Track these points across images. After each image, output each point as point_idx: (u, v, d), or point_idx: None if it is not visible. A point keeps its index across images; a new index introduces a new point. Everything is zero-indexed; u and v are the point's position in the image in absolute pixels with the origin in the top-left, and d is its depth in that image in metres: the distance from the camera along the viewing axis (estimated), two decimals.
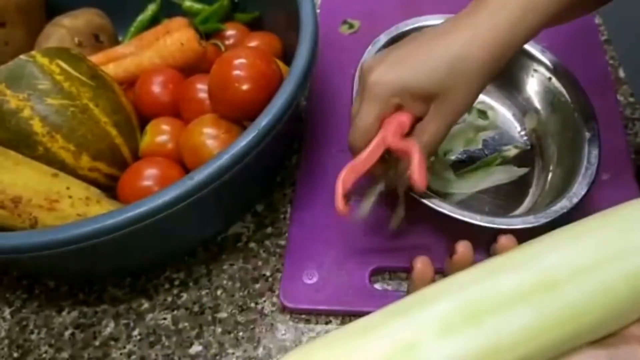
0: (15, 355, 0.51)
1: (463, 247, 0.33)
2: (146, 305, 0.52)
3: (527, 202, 0.54)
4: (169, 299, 0.52)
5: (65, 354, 0.50)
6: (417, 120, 0.45)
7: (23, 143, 0.50)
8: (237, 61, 0.50)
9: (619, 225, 0.32)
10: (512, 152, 0.57)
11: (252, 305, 0.51)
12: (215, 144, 0.51)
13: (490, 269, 0.32)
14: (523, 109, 0.59)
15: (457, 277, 0.32)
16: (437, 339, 0.29)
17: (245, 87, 0.50)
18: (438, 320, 0.29)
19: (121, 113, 0.54)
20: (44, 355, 0.50)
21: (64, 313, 0.53)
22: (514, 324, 0.30)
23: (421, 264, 0.33)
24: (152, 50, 0.59)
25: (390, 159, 0.46)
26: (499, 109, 0.60)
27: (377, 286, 0.51)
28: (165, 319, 0.51)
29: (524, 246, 0.33)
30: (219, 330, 0.50)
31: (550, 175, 0.54)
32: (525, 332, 0.30)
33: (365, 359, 0.28)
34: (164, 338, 0.50)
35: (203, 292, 0.52)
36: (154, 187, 0.50)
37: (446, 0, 0.68)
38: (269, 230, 0.56)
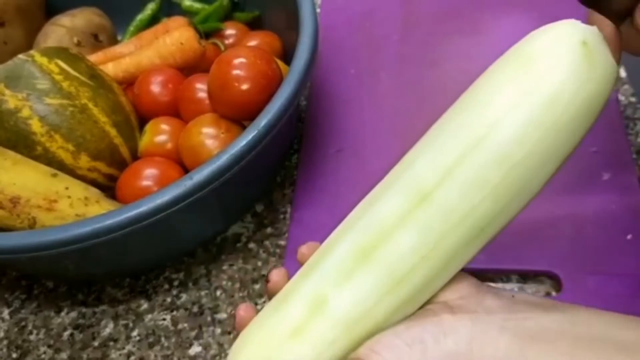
0: (14, 355, 0.50)
1: (276, 276, 0.35)
2: (145, 305, 0.52)
3: None
4: (168, 299, 0.52)
5: (64, 355, 0.50)
6: None
7: (22, 143, 0.50)
8: (237, 61, 0.50)
9: (474, 103, 0.30)
10: None
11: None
12: (215, 144, 0.51)
13: (372, 196, 0.33)
14: None
15: (350, 214, 0.34)
16: (339, 288, 0.31)
17: (245, 86, 0.49)
18: (336, 270, 0.31)
19: (120, 113, 0.54)
20: (42, 356, 0.50)
21: (62, 313, 0.53)
22: (402, 248, 0.30)
23: (244, 312, 0.35)
24: (151, 50, 0.59)
25: None
26: None
27: None
28: (164, 319, 0.51)
29: (400, 161, 0.33)
30: (218, 330, 0.50)
31: None
32: (416, 253, 0.30)
33: (288, 326, 0.31)
34: (163, 339, 0.50)
35: (202, 293, 0.52)
36: (153, 187, 0.50)
37: (444, 0, 0.69)
38: (269, 230, 0.55)
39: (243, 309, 0.35)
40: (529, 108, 0.29)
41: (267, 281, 0.35)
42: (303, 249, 0.35)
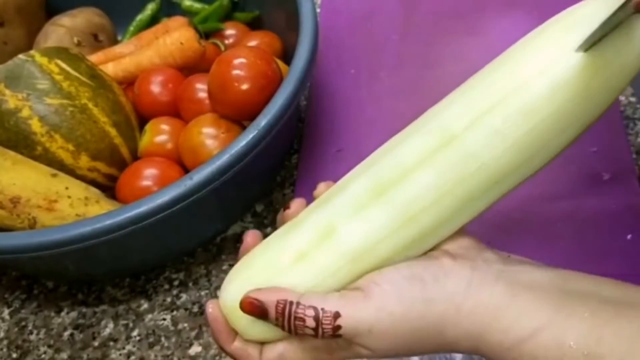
0: (15, 355, 0.50)
1: (295, 205, 0.35)
2: (145, 305, 0.52)
3: None
4: (168, 299, 0.52)
5: (64, 355, 0.50)
6: None
7: (22, 143, 0.50)
8: (237, 61, 0.50)
9: (510, 63, 0.31)
10: None
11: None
12: (215, 144, 0.51)
13: (395, 139, 0.33)
14: None
15: (371, 155, 0.34)
16: (350, 219, 0.31)
17: (244, 86, 0.49)
18: (350, 203, 0.32)
19: (120, 113, 0.54)
20: (43, 356, 0.50)
21: (63, 313, 0.53)
22: (418, 187, 0.31)
23: (251, 238, 0.36)
24: (151, 50, 0.59)
25: None
26: None
27: None
28: (164, 319, 0.51)
29: (429, 110, 0.33)
30: None
31: None
32: (431, 193, 0.31)
33: (294, 251, 0.32)
34: (163, 339, 0.50)
35: (202, 293, 0.52)
36: (153, 187, 0.50)
37: (444, 0, 0.69)
38: (269, 230, 0.55)
39: (250, 236, 0.35)
40: (563, 68, 0.29)
41: (286, 208, 0.35)
42: (321, 186, 0.36)
